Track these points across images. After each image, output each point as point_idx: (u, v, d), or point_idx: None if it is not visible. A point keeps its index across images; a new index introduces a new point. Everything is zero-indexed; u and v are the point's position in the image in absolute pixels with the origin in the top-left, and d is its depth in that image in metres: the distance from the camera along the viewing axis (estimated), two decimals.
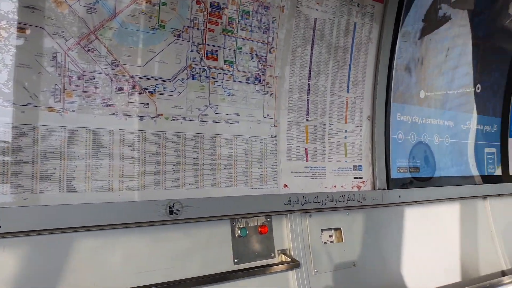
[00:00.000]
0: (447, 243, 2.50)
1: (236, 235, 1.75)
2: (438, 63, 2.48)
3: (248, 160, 1.81)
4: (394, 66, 2.24)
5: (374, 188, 2.18)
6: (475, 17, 2.56)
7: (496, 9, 2.66)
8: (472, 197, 2.67)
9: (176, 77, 1.59)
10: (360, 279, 2.02)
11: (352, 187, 2.12)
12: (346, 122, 2.11)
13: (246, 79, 1.79)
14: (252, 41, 1.79)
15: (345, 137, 2.11)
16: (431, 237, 2.41)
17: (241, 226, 1.77)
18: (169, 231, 1.54)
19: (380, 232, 2.17)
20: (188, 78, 1.62)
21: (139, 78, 1.51)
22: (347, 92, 2.11)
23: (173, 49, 1.57)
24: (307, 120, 1.99)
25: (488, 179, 2.77)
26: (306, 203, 1.90)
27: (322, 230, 1.97)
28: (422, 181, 2.45)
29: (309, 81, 1.98)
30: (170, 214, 1.50)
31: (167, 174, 1.57)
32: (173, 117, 1.58)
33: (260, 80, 1.83)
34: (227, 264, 1.69)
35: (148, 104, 1.53)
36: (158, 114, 1.55)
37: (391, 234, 2.21)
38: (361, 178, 2.15)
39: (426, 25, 2.34)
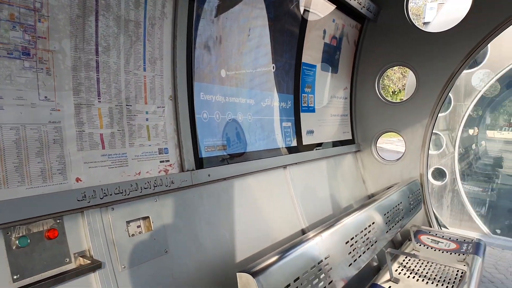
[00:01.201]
0: (258, 212, 2.75)
1: (14, 247, 1.45)
2: (238, 43, 2.62)
3: (22, 154, 1.51)
4: (193, 45, 2.26)
5: (182, 170, 2.17)
6: (267, 0, 2.82)
7: None
8: (276, 167, 3.00)
9: None
10: (173, 264, 1.99)
11: (159, 172, 2.05)
12: (146, 103, 2.01)
13: (8, 53, 1.47)
14: (12, 5, 1.47)
15: (147, 119, 2.01)
16: (243, 209, 2.60)
17: (20, 235, 1.47)
18: None
19: (192, 213, 2.19)
20: None
21: None
22: (144, 70, 2.00)
23: None
24: (99, 102, 1.79)
25: (287, 150, 3.16)
26: (106, 195, 1.73)
27: (128, 222, 1.85)
28: (234, 157, 2.60)
29: (97, 57, 1.78)
30: None
31: None
32: None
33: (29, 54, 1.53)
34: (2, 284, 1.39)
35: None
36: None
37: (203, 213, 2.26)
38: (168, 161, 2.10)
39: (221, 4, 2.42)
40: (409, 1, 4.20)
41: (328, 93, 3.95)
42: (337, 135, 4.15)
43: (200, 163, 2.27)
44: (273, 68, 2.99)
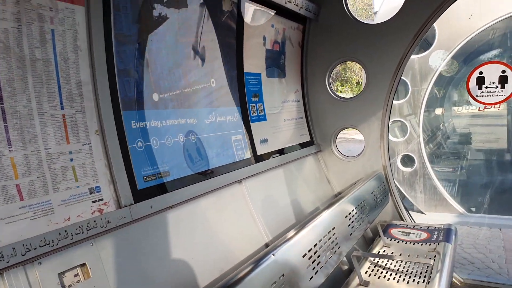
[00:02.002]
0: (215, 235, 2.68)
1: None
2: (168, 63, 2.56)
3: None
4: (116, 73, 2.18)
5: (119, 206, 2.07)
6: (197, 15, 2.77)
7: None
8: (230, 184, 2.94)
9: None
10: None
11: (92, 213, 1.95)
12: (68, 143, 1.91)
13: None
14: None
15: (72, 160, 1.92)
16: (197, 235, 2.52)
17: None
18: None
19: (136, 251, 2.10)
20: None
21: None
22: (62, 108, 1.90)
23: None
24: (11, 150, 1.69)
25: (241, 164, 3.11)
26: (30, 250, 1.62)
27: (62, 273, 1.74)
28: (180, 181, 2.52)
29: (2, 104, 1.68)
30: None
31: None
32: None
33: None
34: None
35: None
36: None
37: (150, 248, 2.17)
38: (101, 200, 2.01)
39: (143, 26, 2.36)
40: None
41: (278, 99, 3.93)
42: (294, 139, 4.13)
43: (139, 195, 2.18)
44: (213, 83, 2.94)
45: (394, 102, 7.39)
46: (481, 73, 4.09)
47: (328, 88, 4.42)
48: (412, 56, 7.17)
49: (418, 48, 7.98)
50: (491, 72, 4.05)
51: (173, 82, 2.58)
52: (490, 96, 4.03)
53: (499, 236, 6.02)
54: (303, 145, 4.28)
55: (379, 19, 7.56)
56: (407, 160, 7.45)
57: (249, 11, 3.29)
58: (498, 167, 9.36)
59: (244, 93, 3.33)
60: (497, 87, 3.99)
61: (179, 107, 2.63)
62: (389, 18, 4.00)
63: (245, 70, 3.33)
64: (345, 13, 4.18)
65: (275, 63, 3.85)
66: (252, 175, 3.18)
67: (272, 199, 3.42)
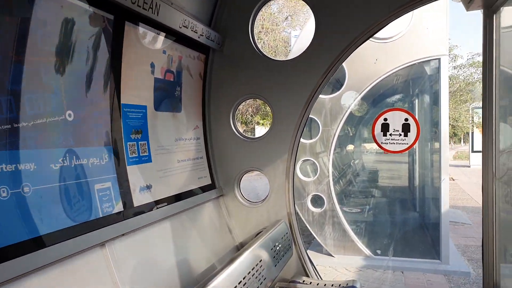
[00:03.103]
0: None
1: None
2: None
3: None
4: None
5: None
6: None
7: None
8: (87, 250, 2.21)
9: None
10: None
11: None
12: None
13: None
14: None
15: None
16: None
17: None
18: None
19: None
20: None
21: None
22: None
23: None
24: None
25: (106, 220, 2.39)
26: None
27: None
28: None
29: None
30: None
31: None
32: None
33: None
34: None
35: None
36: None
37: None
38: None
39: None
40: (254, 29, 3.89)
41: (171, 136, 3.32)
42: (190, 183, 3.53)
43: None
44: (70, 116, 2.23)
45: (306, 141, 7.23)
46: (385, 119, 3.98)
47: (233, 126, 3.94)
48: (324, 96, 7.14)
49: (331, 88, 8.06)
50: (395, 119, 3.95)
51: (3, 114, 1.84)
52: (394, 143, 3.92)
53: (401, 280, 5.95)
54: (202, 189, 3.69)
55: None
56: (318, 200, 7.25)
57: (131, 32, 2.69)
58: (401, 205, 9.70)
59: (121, 128, 2.66)
60: (400, 135, 3.89)
61: (10, 148, 1.88)
62: (297, 56, 3.71)
63: (123, 101, 2.69)
64: (251, 47, 3.80)
65: (167, 94, 3.26)
66: (123, 235, 2.48)
67: (151, 264, 2.74)
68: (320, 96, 7.30)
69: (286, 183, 3.81)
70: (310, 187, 7.18)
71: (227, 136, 3.94)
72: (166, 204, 3.05)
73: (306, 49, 3.66)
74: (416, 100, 9.89)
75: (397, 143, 3.90)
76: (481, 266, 2.85)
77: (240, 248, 3.93)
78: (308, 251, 7.53)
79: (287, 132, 3.76)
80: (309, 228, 7.01)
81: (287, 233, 3.73)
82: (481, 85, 3.10)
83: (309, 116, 7.17)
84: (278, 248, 3.50)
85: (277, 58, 3.99)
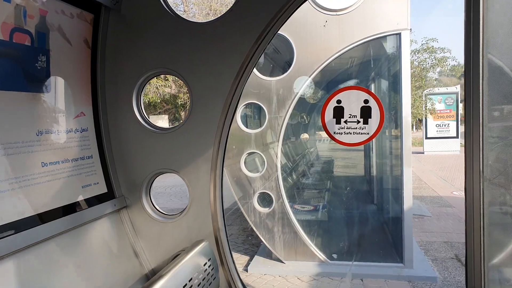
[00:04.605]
0: None
1: None
2: None
3: None
4: None
5: None
6: None
7: None
8: None
9: None
10: None
11: None
12: None
13: None
14: None
15: None
16: None
17: None
18: None
19: None
20: None
21: None
22: None
23: None
24: None
25: None
26: None
27: None
28: None
29: None
30: None
31: None
32: None
33: None
34: None
35: None
36: None
37: None
38: None
39: None
40: None
41: (28, 129, 2.26)
42: (70, 195, 2.50)
43: None
44: None
45: (251, 131, 6.34)
46: (339, 102, 3.08)
47: (137, 113, 2.94)
48: (270, 78, 6.26)
49: (280, 71, 7.20)
50: (351, 101, 3.06)
51: None
52: (351, 134, 3.05)
53: None
54: (92, 201, 2.68)
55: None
56: (263, 200, 6.41)
57: None
58: (358, 198, 9.14)
59: None
60: (358, 122, 3.02)
61: None
62: (221, 16, 2.77)
63: None
64: (160, 4, 2.81)
65: (18, 66, 2.20)
66: None
67: None
68: (266, 78, 6.44)
69: (212, 188, 2.89)
70: (257, 183, 6.32)
71: (129, 126, 2.93)
72: (13, 232, 2.02)
73: (233, 6, 2.73)
74: (373, 85, 9.30)
75: (354, 133, 3.02)
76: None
77: (150, 277, 2.97)
78: (255, 256, 6.71)
79: (212, 119, 2.83)
80: (256, 231, 6.17)
81: (213, 256, 2.82)
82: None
83: (253, 101, 6.27)
84: (201, 276, 2.61)
85: (195, 20, 3.02)
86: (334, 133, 3.00)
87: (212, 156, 2.85)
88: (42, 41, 2.35)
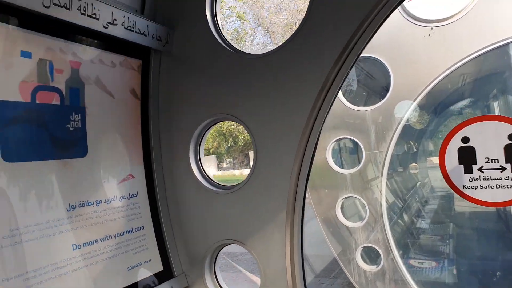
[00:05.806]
0: None
1: None
2: None
3: None
4: None
5: None
6: None
7: None
8: None
9: None
10: None
11: None
12: None
13: None
14: None
15: None
16: None
17: None
18: None
19: None
20: None
21: None
22: None
23: None
24: None
25: None
26: None
27: None
28: None
29: None
30: None
31: None
32: None
33: None
34: None
35: None
36: None
37: None
38: None
39: None
40: (216, 10, 2.45)
41: (60, 202, 1.88)
42: (111, 278, 2.05)
43: None
44: None
45: (345, 171, 5.48)
46: (466, 140, 2.05)
47: (195, 168, 2.44)
48: (363, 109, 5.42)
49: (376, 97, 6.35)
50: (486, 138, 2.01)
51: None
52: (493, 187, 2.00)
53: None
54: (145, 283, 2.20)
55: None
56: (368, 255, 5.36)
57: None
58: (493, 242, 7.38)
59: None
60: (503, 168, 1.93)
61: None
62: (286, 41, 2.20)
63: None
64: (213, 39, 2.36)
65: (45, 130, 1.87)
66: None
67: None
68: (358, 108, 5.59)
69: (290, 264, 2.19)
70: (359, 234, 5.33)
71: (187, 186, 2.44)
72: None
73: (300, 26, 2.14)
74: (495, 104, 7.71)
75: (498, 186, 1.95)
76: None
77: None
78: None
79: (283, 170, 2.19)
80: None
81: None
82: None
83: (345, 137, 5.44)
84: None
85: (253, 52, 2.49)
86: (464, 187, 2.01)
87: (287, 220, 2.17)
88: (75, 97, 2.02)
